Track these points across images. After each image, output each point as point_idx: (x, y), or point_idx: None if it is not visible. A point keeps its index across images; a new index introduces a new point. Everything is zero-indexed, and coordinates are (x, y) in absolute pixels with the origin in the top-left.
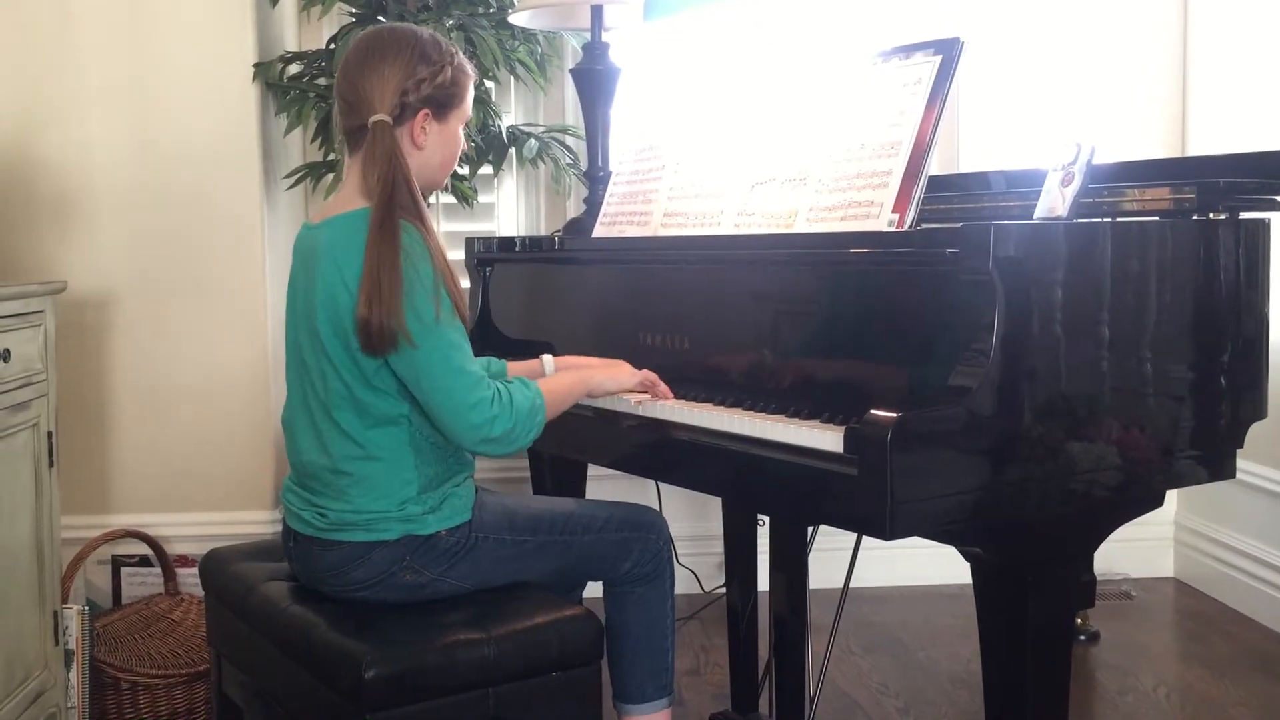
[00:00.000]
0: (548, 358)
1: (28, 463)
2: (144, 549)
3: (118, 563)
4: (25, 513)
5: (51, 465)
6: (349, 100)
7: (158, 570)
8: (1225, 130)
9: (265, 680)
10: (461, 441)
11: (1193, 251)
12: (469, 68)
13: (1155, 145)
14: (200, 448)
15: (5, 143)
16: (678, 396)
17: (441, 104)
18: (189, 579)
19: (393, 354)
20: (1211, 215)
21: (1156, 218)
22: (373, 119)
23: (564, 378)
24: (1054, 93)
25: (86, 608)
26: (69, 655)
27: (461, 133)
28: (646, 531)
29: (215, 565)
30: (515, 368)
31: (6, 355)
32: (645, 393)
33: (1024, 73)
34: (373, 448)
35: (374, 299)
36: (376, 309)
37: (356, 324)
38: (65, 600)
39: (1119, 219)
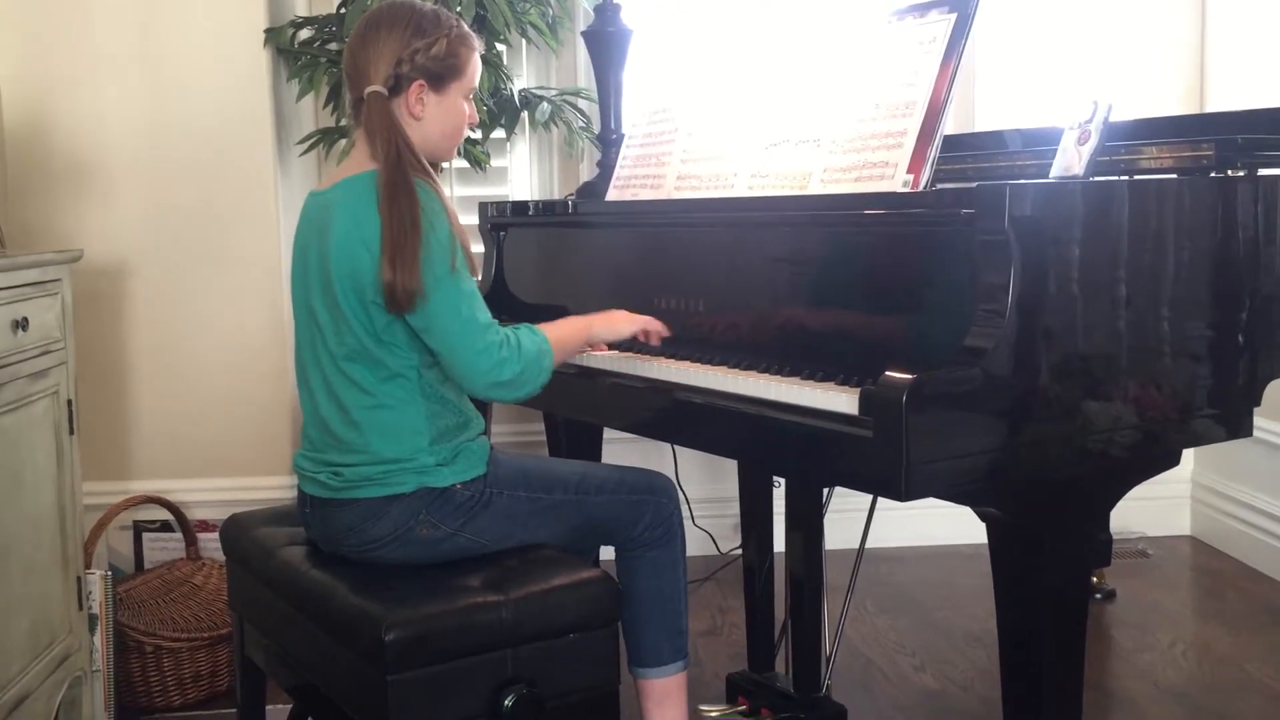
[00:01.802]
0: None
1: (48, 430)
2: (165, 514)
3: (139, 528)
4: (47, 480)
5: (72, 433)
6: (350, 73)
7: (179, 535)
8: (1244, 86)
9: (287, 643)
10: (473, 386)
11: (1210, 209)
12: (472, 40)
13: (1173, 102)
14: (219, 413)
15: (19, 112)
16: (692, 359)
17: (437, 75)
18: (210, 544)
19: (409, 310)
20: (1229, 172)
21: (1174, 175)
22: (368, 90)
23: (566, 325)
24: (1070, 50)
25: (109, 573)
26: (93, 620)
27: (466, 104)
28: (657, 495)
29: (236, 530)
30: None
31: (25, 324)
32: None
33: (1040, 29)
34: (384, 397)
35: (397, 261)
36: (401, 271)
37: (382, 286)
38: (88, 566)
39: (1136, 177)
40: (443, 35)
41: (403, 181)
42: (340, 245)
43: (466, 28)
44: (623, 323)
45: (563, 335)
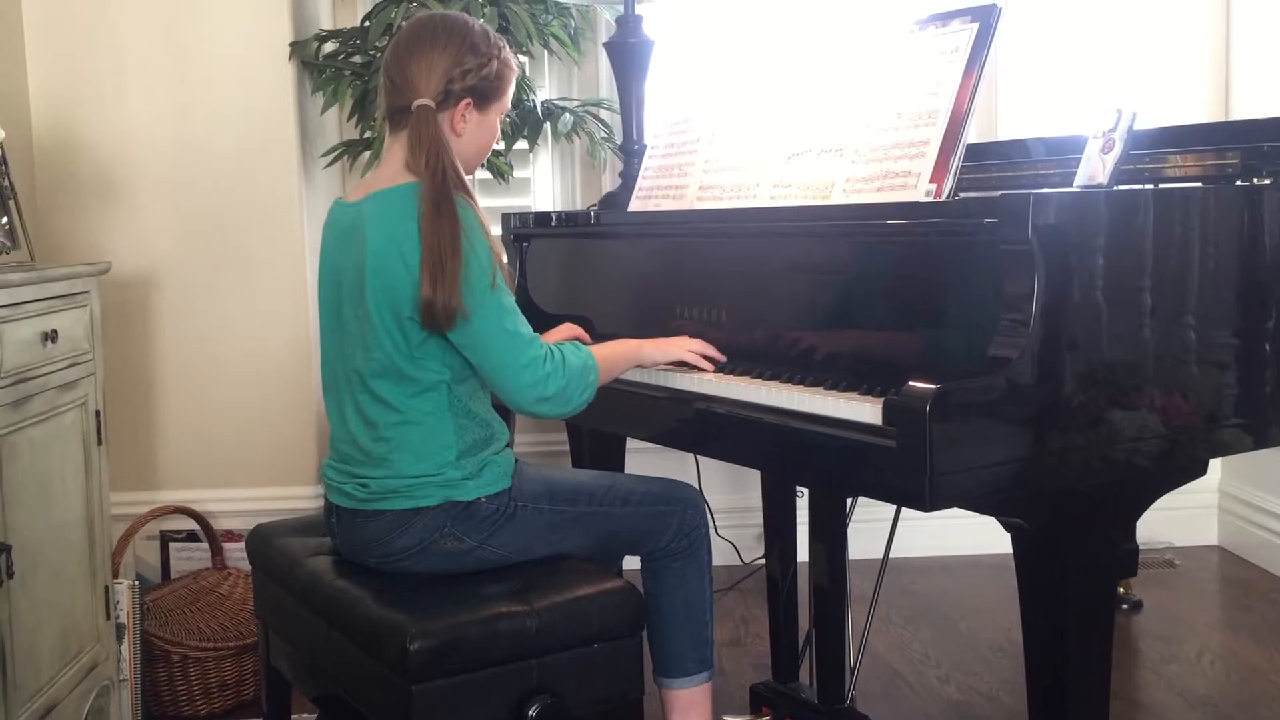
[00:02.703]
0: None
1: (77, 441)
2: (191, 524)
3: (166, 538)
4: (76, 490)
5: (100, 443)
6: (395, 81)
7: (205, 545)
8: (1270, 93)
9: (312, 652)
10: (518, 402)
11: (1236, 217)
12: (514, 63)
13: (1198, 110)
14: (245, 424)
15: (48, 125)
16: (715, 370)
17: (484, 95)
18: (235, 553)
19: (449, 328)
20: (1255, 180)
21: (1199, 184)
22: (417, 102)
23: (615, 345)
24: (1094, 57)
25: (136, 582)
26: (120, 629)
27: (498, 124)
28: (684, 506)
29: (261, 540)
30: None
31: (54, 336)
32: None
33: (1063, 37)
34: (411, 413)
35: (438, 279)
36: (441, 290)
37: (421, 303)
38: (116, 575)
39: (1161, 185)
40: (494, 56)
41: (446, 199)
42: (376, 260)
43: (509, 50)
44: (675, 348)
45: (611, 354)
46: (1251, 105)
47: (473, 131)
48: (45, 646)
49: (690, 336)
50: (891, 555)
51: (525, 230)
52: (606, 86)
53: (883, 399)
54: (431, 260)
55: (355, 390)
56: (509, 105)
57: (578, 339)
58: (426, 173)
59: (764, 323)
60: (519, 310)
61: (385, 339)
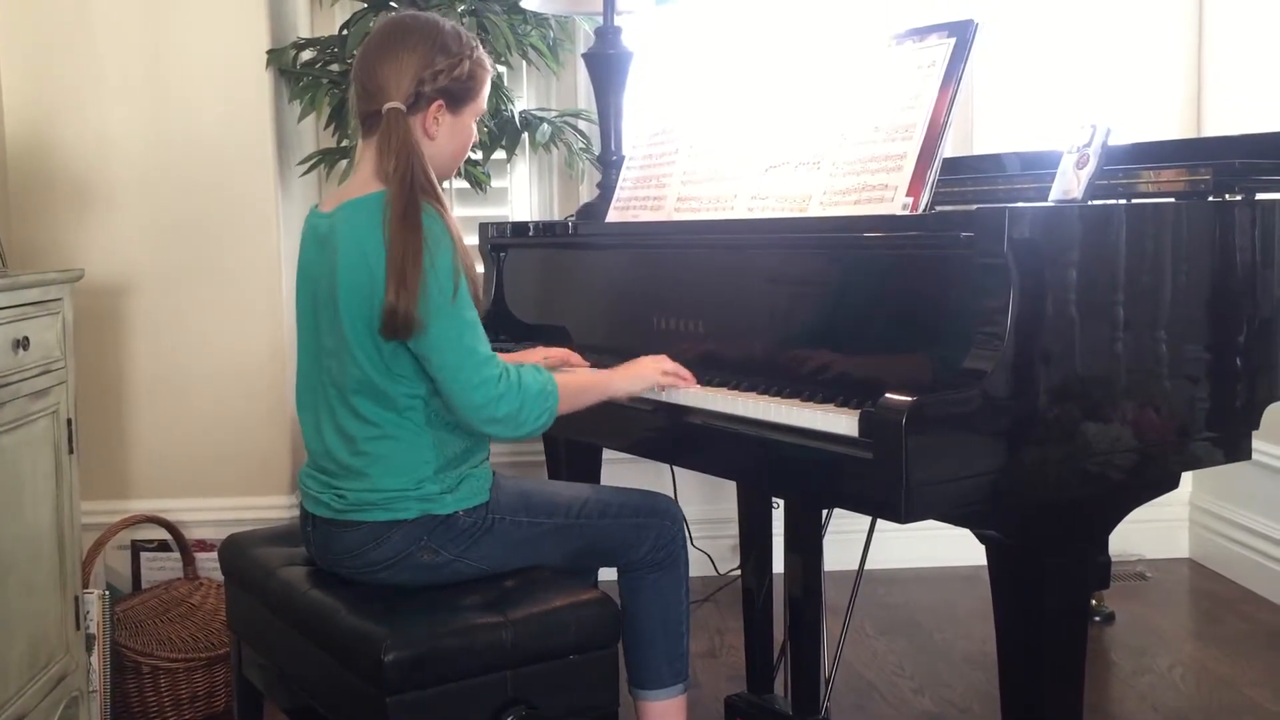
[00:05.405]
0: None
1: (48, 449)
2: (163, 534)
3: (137, 548)
4: (46, 499)
5: (71, 452)
6: (366, 86)
7: (176, 555)
8: (1241, 110)
9: (285, 663)
10: (469, 419)
11: (1208, 233)
12: (488, 63)
13: (1171, 126)
14: (218, 433)
15: (22, 131)
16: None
17: (457, 96)
18: (208, 563)
19: (406, 337)
20: (1227, 196)
21: (1172, 199)
22: (387, 106)
23: (582, 375)
24: (1069, 74)
25: (107, 592)
26: (90, 639)
27: (473, 125)
28: (661, 518)
29: (234, 550)
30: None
31: (25, 343)
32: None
33: (1039, 54)
34: (390, 427)
35: (401, 286)
36: (404, 297)
37: (384, 310)
38: (86, 585)
39: (1134, 201)
40: (466, 56)
41: (412, 206)
42: (347, 274)
43: (483, 49)
44: (649, 372)
45: (576, 383)
46: (1223, 122)
47: (446, 134)
48: (14, 657)
49: (657, 354)
50: (866, 566)
51: (503, 240)
52: (585, 97)
53: (859, 411)
54: (396, 268)
55: (333, 404)
56: (484, 107)
57: (566, 362)
58: (395, 178)
59: (741, 334)
60: (480, 327)
61: (360, 354)
